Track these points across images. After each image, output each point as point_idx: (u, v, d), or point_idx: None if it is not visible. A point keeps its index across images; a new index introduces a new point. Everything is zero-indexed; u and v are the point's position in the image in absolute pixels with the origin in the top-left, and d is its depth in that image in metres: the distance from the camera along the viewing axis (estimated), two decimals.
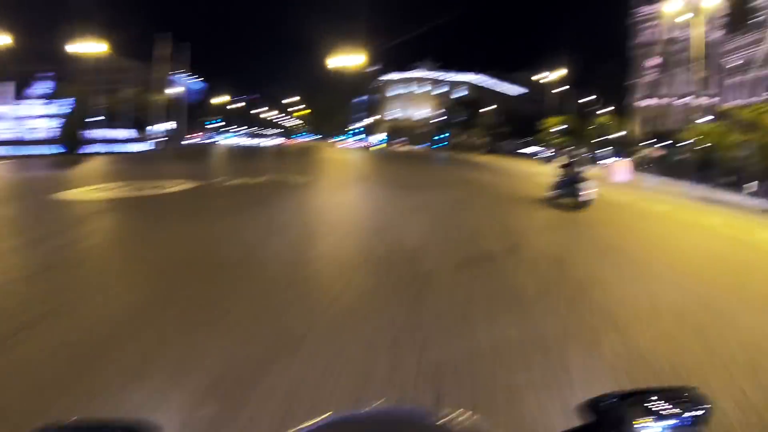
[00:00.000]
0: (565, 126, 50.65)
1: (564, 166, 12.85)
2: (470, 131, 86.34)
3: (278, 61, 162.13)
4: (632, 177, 26.10)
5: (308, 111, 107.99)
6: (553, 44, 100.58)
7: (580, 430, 0.79)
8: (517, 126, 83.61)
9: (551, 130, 51.79)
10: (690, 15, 38.46)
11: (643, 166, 33.92)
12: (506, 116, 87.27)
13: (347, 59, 55.63)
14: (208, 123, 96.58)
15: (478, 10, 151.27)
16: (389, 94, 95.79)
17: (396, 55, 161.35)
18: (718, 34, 45.33)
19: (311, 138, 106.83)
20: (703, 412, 0.78)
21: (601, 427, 0.78)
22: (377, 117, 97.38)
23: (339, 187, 16.07)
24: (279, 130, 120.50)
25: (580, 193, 11.76)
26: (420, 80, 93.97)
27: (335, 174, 22.51)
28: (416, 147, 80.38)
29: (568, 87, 55.68)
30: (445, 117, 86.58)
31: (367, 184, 17.24)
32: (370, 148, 67.22)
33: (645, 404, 0.78)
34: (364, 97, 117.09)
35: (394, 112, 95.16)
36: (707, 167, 27.45)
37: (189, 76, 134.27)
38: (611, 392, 0.81)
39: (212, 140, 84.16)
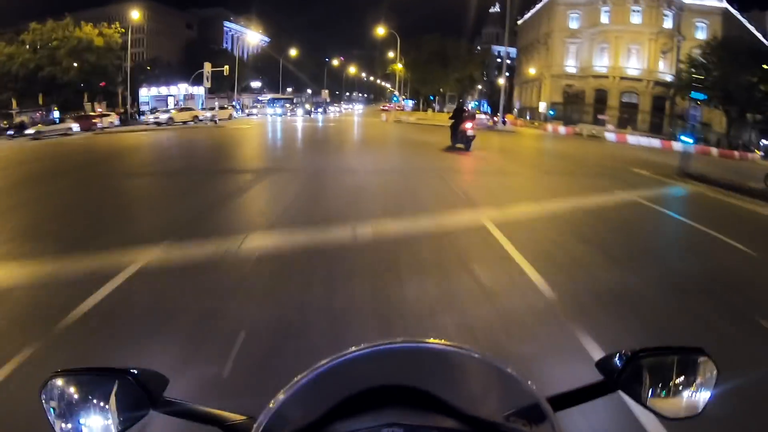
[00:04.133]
0: None
1: None
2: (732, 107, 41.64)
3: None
4: None
5: (402, 68, 66.78)
6: None
7: (590, 388, 0.80)
8: None
9: None
10: None
11: None
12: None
13: None
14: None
15: None
16: (559, 31, 52.76)
17: None
18: None
19: (404, 105, 66.83)
20: (709, 373, 0.80)
21: (611, 386, 0.79)
22: (536, 72, 54.77)
23: None
24: (363, 97, 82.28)
25: None
26: (620, 4, 49.55)
27: None
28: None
29: None
30: (680, 76, 43.20)
31: None
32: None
33: (653, 365, 0.78)
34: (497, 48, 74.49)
35: (568, 65, 52.38)
36: None
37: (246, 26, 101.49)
38: (620, 351, 0.81)
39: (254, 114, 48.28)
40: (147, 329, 3.66)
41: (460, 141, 17.36)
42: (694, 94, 31.49)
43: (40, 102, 35.16)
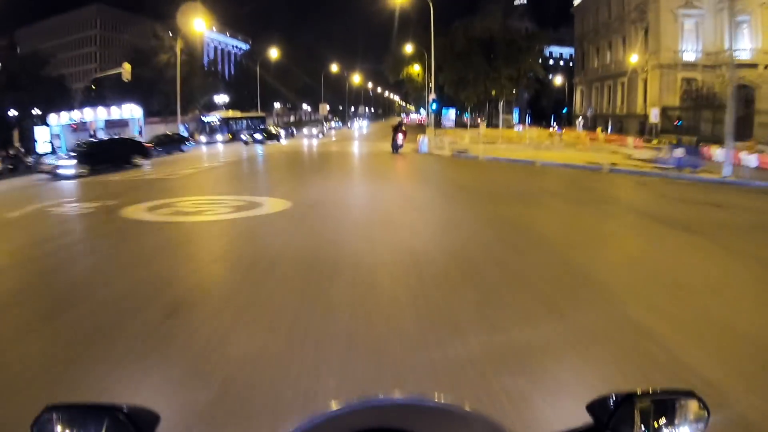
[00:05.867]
0: None
1: None
2: None
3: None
4: None
5: (419, 70, 49.34)
6: None
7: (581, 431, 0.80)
8: None
9: None
10: None
11: None
12: None
13: None
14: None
15: None
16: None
17: None
18: None
19: (425, 118, 48.06)
20: (701, 417, 0.80)
21: (602, 429, 0.79)
22: (637, 61, 37.16)
23: None
24: (369, 112, 65.60)
25: None
26: None
27: None
28: None
29: None
30: None
31: None
32: None
33: (644, 408, 0.79)
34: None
35: (686, 50, 35.16)
36: None
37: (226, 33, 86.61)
38: (611, 393, 0.81)
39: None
40: None
41: (393, 147, 23.52)
42: None
43: None
